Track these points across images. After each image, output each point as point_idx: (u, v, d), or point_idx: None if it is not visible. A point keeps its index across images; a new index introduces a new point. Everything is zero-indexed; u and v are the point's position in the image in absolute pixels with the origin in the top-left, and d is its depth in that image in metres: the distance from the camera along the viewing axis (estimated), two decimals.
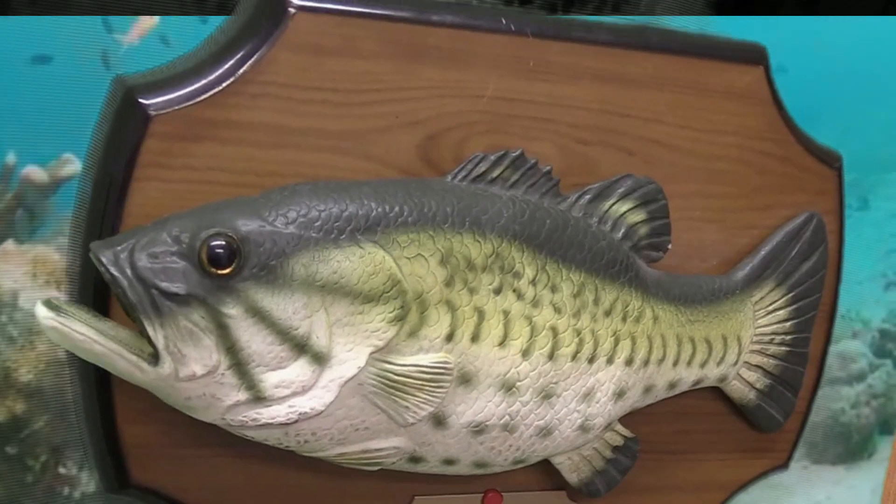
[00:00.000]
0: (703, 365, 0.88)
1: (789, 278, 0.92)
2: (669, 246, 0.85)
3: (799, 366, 0.94)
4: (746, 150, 0.90)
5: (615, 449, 0.86)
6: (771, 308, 0.92)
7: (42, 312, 0.65)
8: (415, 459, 0.77)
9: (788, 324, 0.92)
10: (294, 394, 0.70)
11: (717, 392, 0.92)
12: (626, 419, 0.86)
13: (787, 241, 0.92)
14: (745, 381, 0.92)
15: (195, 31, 0.78)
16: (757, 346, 0.91)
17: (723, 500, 0.96)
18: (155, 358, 0.67)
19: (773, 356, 0.92)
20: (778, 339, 0.92)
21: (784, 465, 0.99)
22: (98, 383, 0.76)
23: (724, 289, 0.89)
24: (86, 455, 0.80)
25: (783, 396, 0.94)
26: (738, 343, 0.90)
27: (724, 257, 0.91)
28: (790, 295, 0.92)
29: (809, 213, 0.93)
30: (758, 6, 0.93)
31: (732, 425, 0.95)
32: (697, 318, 0.87)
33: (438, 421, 0.75)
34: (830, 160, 0.94)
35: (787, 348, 0.93)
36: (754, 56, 0.89)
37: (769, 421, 0.94)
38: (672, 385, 0.87)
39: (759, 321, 0.91)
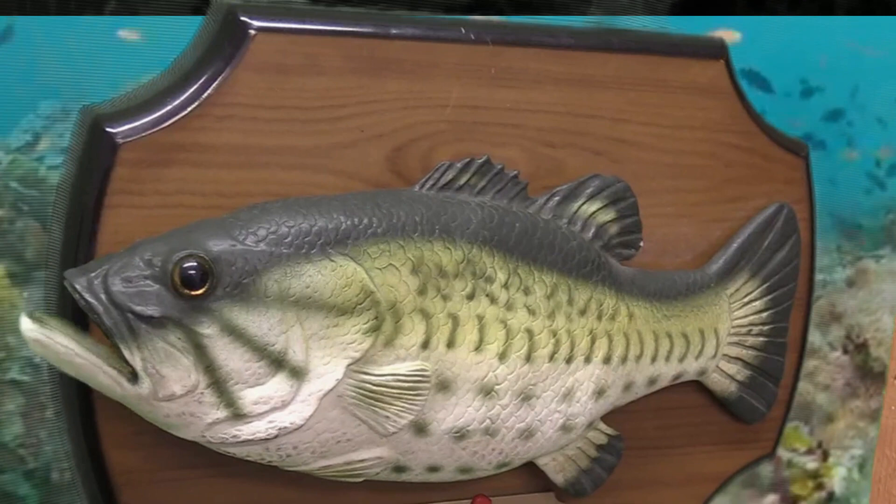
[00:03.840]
0: (681, 359, 0.89)
1: (763, 269, 0.93)
2: (641, 243, 0.86)
3: (778, 356, 0.94)
4: (713, 143, 0.91)
5: (599, 447, 0.86)
6: (746, 300, 0.92)
7: (26, 325, 0.66)
8: (399, 469, 0.78)
9: (765, 314, 0.93)
10: (273, 409, 0.71)
11: (698, 385, 0.92)
12: (608, 416, 0.87)
13: (758, 233, 0.93)
14: (725, 374, 0.92)
15: None
16: (735, 339, 0.92)
17: (711, 492, 0.97)
18: (134, 377, 0.68)
19: (751, 347, 0.93)
20: (756, 329, 0.93)
21: (771, 454, 0.99)
22: (82, 410, 0.76)
23: (699, 283, 0.90)
24: (74, 481, 0.81)
25: (765, 387, 0.94)
26: (716, 336, 0.91)
27: (697, 251, 0.92)
28: (765, 286, 0.93)
29: (779, 203, 0.94)
30: None
31: (716, 417, 0.95)
32: (673, 313, 0.88)
33: (420, 429, 0.76)
34: (797, 149, 0.95)
35: (766, 338, 0.93)
36: (714, 50, 0.90)
37: (752, 412, 0.95)
38: (652, 381, 0.88)
39: (736, 313, 0.92)
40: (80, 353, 0.67)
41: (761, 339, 0.93)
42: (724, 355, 0.92)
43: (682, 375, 0.90)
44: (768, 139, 0.94)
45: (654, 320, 0.86)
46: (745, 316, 0.92)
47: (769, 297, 0.93)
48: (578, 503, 0.88)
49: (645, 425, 0.92)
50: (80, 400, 0.76)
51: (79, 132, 0.76)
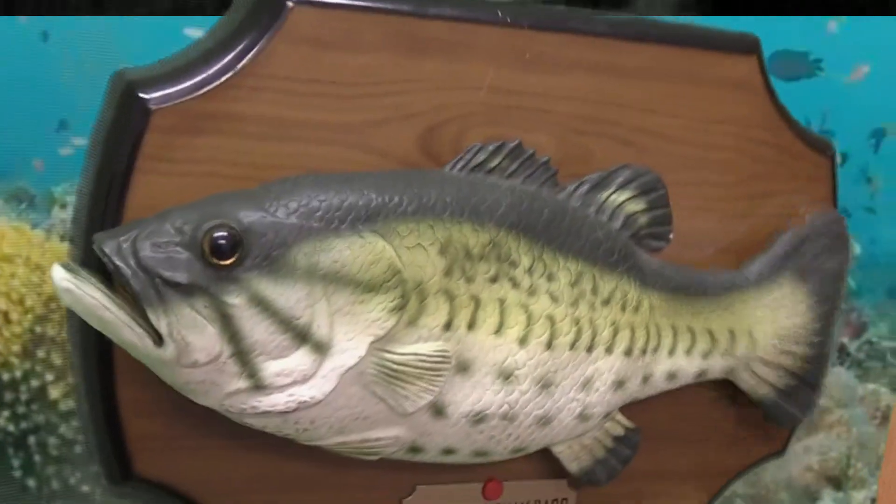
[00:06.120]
0: (705, 356, 0.88)
1: (809, 277, 0.92)
2: (671, 235, 0.86)
3: (821, 364, 0.94)
4: (741, 139, 0.91)
5: (616, 439, 0.86)
6: (791, 307, 0.91)
7: (59, 274, 0.66)
8: (414, 450, 0.78)
9: (811, 323, 0.92)
10: (294, 382, 0.71)
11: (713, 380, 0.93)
12: (624, 406, 0.87)
13: (805, 239, 0.92)
14: (759, 378, 0.91)
15: None
16: (777, 344, 0.91)
17: (721, 486, 0.97)
18: (159, 340, 0.68)
19: (794, 354, 0.92)
20: (801, 338, 0.92)
21: (781, 452, 0.99)
22: (100, 375, 0.76)
23: (734, 282, 0.90)
24: (89, 446, 0.81)
25: (804, 394, 0.93)
26: (751, 338, 0.90)
27: (719, 246, 0.92)
28: (812, 294, 0.92)
29: (833, 212, 0.94)
30: None
31: (729, 412, 0.95)
32: (700, 309, 0.87)
33: (438, 411, 0.76)
34: (823, 148, 0.95)
35: (809, 348, 0.93)
36: (748, 46, 0.90)
37: (788, 417, 0.94)
38: (671, 376, 0.87)
39: (780, 319, 0.91)
40: (109, 307, 0.66)
41: (806, 348, 0.92)
42: (762, 359, 0.91)
43: (705, 373, 0.89)
44: (795, 136, 0.94)
45: (676, 314, 0.86)
46: (790, 323, 0.91)
47: (817, 306, 0.92)
48: (590, 492, 0.88)
49: (659, 416, 0.91)
50: (98, 364, 0.76)
51: (111, 96, 0.76)
